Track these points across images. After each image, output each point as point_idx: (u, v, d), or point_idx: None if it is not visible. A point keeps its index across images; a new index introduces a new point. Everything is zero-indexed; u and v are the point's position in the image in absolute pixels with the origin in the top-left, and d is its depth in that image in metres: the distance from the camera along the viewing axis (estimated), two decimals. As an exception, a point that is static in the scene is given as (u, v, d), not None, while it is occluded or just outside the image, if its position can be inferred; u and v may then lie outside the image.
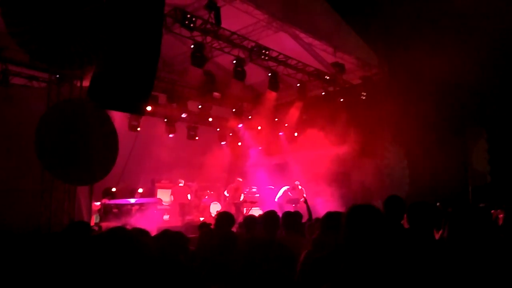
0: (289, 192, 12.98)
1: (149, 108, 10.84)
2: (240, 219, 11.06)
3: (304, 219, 6.91)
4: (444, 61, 9.10)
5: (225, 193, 12.53)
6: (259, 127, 14.69)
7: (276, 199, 12.97)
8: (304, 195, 12.69)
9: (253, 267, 2.90)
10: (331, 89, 12.85)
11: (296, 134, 14.57)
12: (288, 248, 3.58)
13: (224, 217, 4.47)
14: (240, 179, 12.76)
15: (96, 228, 5.71)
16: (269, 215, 4.01)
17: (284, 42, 11.30)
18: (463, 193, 9.93)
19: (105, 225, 7.00)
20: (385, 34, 10.02)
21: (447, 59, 9.10)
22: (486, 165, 10.22)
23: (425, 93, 9.71)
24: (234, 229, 5.02)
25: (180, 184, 11.78)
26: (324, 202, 9.87)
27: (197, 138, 14.08)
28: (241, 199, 12.36)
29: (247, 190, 13.03)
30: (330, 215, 3.14)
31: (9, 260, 3.02)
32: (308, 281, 2.73)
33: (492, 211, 5.36)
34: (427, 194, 9.53)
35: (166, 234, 4.21)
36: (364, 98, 12.10)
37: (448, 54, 9.11)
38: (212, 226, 5.65)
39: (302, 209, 9.73)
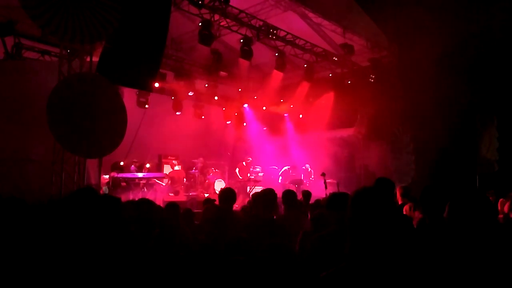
0: (290, 171, 13.15)
1: (156, 84, 10.92)
2: (243, 197, 11.30)
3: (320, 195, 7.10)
4: (456, 45, 8.97)
5: (237, 171, 12.69)
6: (264, 107, 14.76)
7: (279, 181, 13.17)
8: (311, 177, 12.87)
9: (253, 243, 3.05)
10: (338, 70, 12.76)
11: (301, 116, 14.59)
12: (284, 226, 3.72)
13: (225, 194, 4.52)
14: (250, 158, 12.98)
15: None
16: (266, 193, 4.06)
17: (292, 22, 11.20)
18: (470, 180, 9.84)
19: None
20: (396, 15, 9.85)
21: (460, 43, 8.97)
22: (495, 153, 10.11)
23: (435, 77, 9.59)
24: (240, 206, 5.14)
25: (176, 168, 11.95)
26: (331, 184, 9.96)
27: (203, 116, 14.18)
28: (248, 178, 12.58)
29: (251, 169, 13.21)
30: (335, 196, 3.22)
31: (21, 227, 3.17)
32: (309, 258, 2.84)
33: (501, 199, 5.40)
34: (434, 180, 9.57)
35: (172, 206, 4.41)
36: (372, 80, 12.00)
37: (461, 38, 8.97)
38: (216, 202, 5.81)
39: (304, 189, 9.88)
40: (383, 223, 1.66)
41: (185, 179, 11.89)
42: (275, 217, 4.27)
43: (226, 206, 4.19)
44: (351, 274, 1.60)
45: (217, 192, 12.24)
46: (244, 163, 12.81)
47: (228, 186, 12.78)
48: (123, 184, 9.78)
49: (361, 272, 1.59)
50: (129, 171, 10.58)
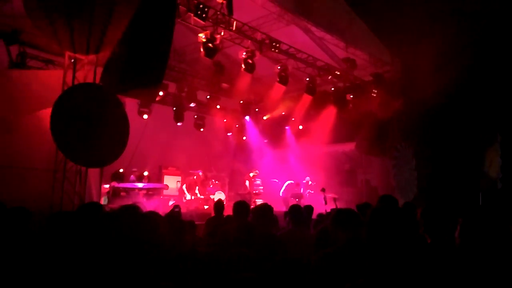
0: (293, 186, 13.08)
1: (161, 93, 11.02)
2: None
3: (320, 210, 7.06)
4: (460, 61, 8.97)
5: (247, 184, 12.63)
6: (265, 117, 14.83)
7: (280, 194, 13.10)
8: (311, 191, 12.79)
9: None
10: (341, 84, 12.81)
11: (301, 127, 14.57)
12: (283, 241, 3.66)
13: (241, 206, 4.38)
14: (257, 171, 12.98)
15: (108, 209, 5.82)
16: (262, 208, 4.00)
17: (295, 36, 11.29)
18: (473, 198, 9.72)
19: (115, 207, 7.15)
20: (399, 30, 9.91)
21: (463, 59, 8.97)
22: (498, 170, 9.97)
23: (438, 93, 9.57)
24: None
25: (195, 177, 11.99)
26: (328, 199, 9.89)
27: (202, 129, 14.19)
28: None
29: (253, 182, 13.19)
30: (341, 212, 3.14)
31: (24, 237, 3.12)
32: (316, 274, 2.78)
33: None
34: (435, 197, 9.47)
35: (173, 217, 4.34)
36: (374, 95, 12.02)
37: (464, 54, 8.98)
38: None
39: (305, 203, 9.81)
40: (402, 242, 1.63)
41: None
42: (278, 233, 4.22)
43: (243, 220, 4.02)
44: None
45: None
46: (251, 174, 12.79)
47: (227, 198, 12.74)
48: (123, 193, 9.73)
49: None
50: (128, 180, 10.53)
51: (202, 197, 11.73)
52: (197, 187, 11.71)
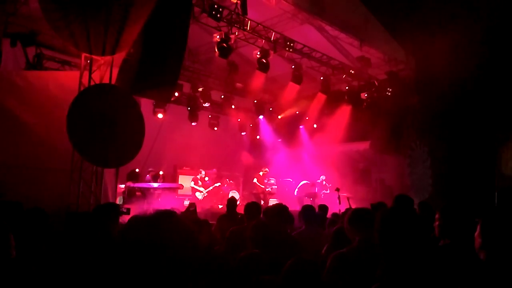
0: (308, 186, 13.02)
1: (176, 94, 11.14)
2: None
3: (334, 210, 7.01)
4: (474, 59, 8.83)
5: (255, 181, 12.69)
6: (279, 117, 14.79)
7: (295, 193, 13.05)
8: (326, 191, 12.69)
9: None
10: (355, 83, 12.70)
11: (315, 126, 14.49)
12: (298, 242, 3.63)
13: (253, 208, 4.37)
14: (267, 169, 12.98)
15: (125, 210, 5.88)
16: (275, 208, 3.97)
17: (309, 35, 11.23)
18: (488, 197, 9.54)
19: (131, 207, 7.23)
20: (413, 28, 9.78)
21: (478, 59, 8.82)
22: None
23: (453, 91, 9.43)
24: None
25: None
26: (341, 198, 9.80)
27: (216, 128, 14.24)
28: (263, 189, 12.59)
29: (266, 181, 13.16)
30: (357, 212, 3.11)
31: (42, 236, 3.18)
32: (331, 275, 2.76)
33: None
34: (451, 196, 9.34)
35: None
36: (389, 94, 11.88)
37: (479, 53, 8.83)
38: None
39: (319, 203, 9.74)
40: (416, 246, 1.60)
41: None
42: (292, 233, 4.21)
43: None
44: None
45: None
46: (261, 173, 12.79)
47: (241, 197, 12.77)
48: (138, 193, 9.83)
49: None
50: (144, 180, 10.65)
51: (205, 190, 11.93)
52: (199, 182, 11.89)
